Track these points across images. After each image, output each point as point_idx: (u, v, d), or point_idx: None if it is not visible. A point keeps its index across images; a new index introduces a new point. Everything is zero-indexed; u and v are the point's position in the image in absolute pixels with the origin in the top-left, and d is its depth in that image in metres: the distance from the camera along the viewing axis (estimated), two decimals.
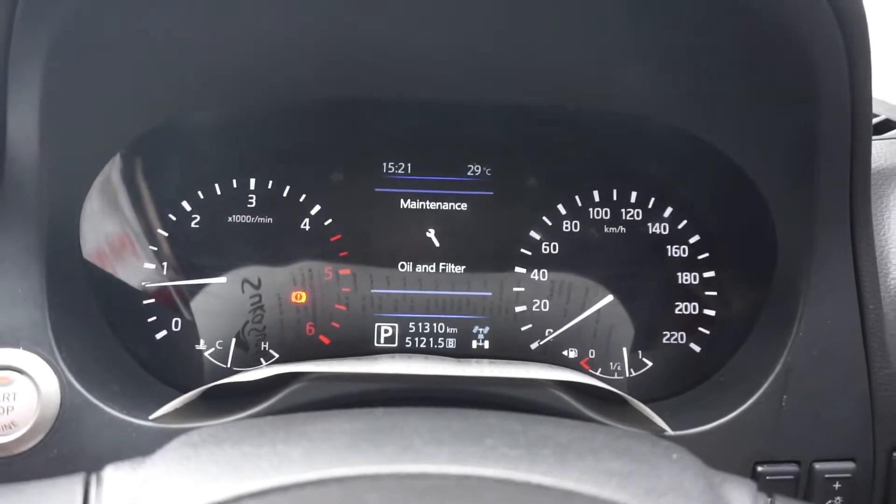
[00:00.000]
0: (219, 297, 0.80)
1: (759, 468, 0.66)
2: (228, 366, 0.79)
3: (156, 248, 0.80)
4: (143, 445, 0.57)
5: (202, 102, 0.76)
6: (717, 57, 0.63)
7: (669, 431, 0.65)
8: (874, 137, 0.82)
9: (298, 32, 0.69)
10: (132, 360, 0.75)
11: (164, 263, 0.80)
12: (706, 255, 0.82)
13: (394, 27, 0.69)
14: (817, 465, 0.67)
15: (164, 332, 0.79)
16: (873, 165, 0.75)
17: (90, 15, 0.60)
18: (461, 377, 0.65)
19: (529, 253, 0.82)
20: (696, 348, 0.81)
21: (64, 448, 0.61)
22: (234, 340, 0.80)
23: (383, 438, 0.44)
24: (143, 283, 0.80)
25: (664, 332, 0.81)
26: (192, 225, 0.81)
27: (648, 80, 0.70)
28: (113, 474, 0.45)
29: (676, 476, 0.44)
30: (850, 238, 0.66)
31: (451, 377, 0.66)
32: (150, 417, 0.62)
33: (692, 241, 0.82)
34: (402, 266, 0.82)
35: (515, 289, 0.81)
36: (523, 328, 0.81)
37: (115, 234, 0.77)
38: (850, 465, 0.67)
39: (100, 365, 0.67)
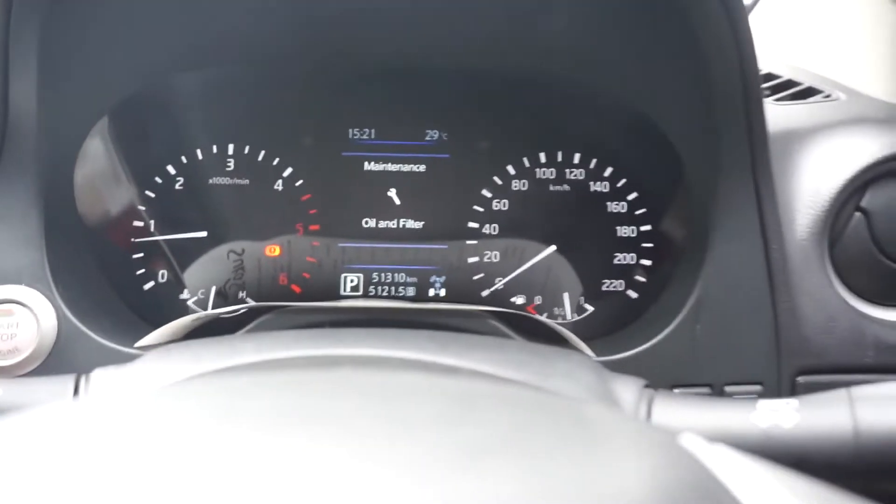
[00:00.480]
0: (204, 258, 0.89)
1: (676, 391, 0.74)
2: (207, 311, 0.88)
3: (143, 208, 0.89)
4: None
5: (185, 69, 0.85)
6: (611, 11, 0.71)
7: (594, 357, 0.73)
8: (797, 102, 0.91)
9: (275, 7, 0.77)
10: (122, 304, 0.84)
11: (152, 221, 0.89)
12: (643, 210, 0.90)
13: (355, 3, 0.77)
14: (728, 388, 0.75)
15: (151, 284, 0.88)
16: (788, 126, 0.83)
17: None
18: (412, 308, 0.74)
19: (482, 209, 0.90)
20: (634, 295, 0.89)
21: (61, 371, 0.69)
22: (214, 289, 0.88)
23: (324, 338, 0.53)
24: (132, 239, 0.88)
25: (604, 281, 0.89)
26: (177, 187, 0.90)
27: (569, 39, 0.78)
28: (100, 372, 0.54)
29: (568, 366, 0.53)
30: (754, 186, 0.74)
31: (404, 309, 0.74)
32: (136, 345, 0.71)
33: (630, 197, 0.90)
34: (366, 222, 0.90)
35: (469, 242, 0.90)
36: (475, 277, 0.89)
37: (105, 193, 0.86)
38: (757, 387, 0.75)
39: (93, 303, 0.76)
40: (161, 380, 0.48)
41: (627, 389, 0.53)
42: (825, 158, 0.80)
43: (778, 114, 0.84)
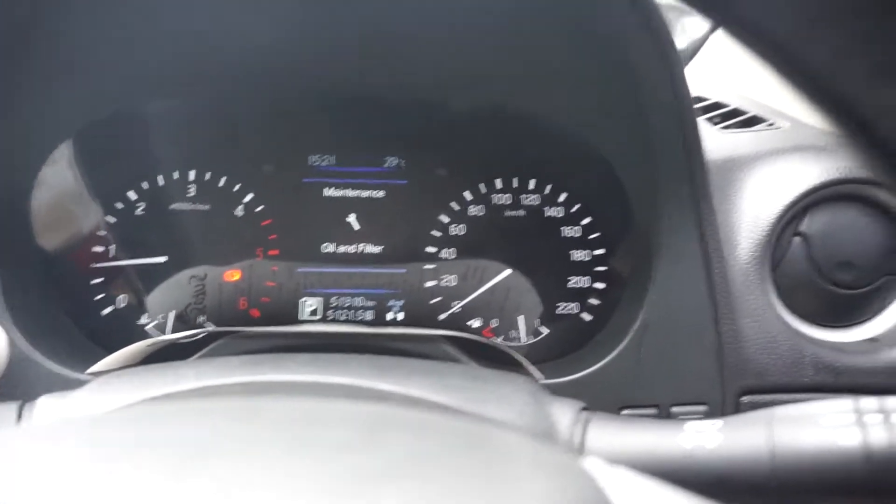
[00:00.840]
0: (164, 283, 0.90)
1: (624, 412, 0.76)
2: (166, 336, 0.88)
3: (104, 233, 0.90)
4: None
5: (148, 96, 0.86)
6: (556, 48, 0.74)
7: (542, 379, 0.74)
8: (742, 130, 0.94)
9: (237, 35, 0.79)
10: (78, 330, 0.84)
11: (112, 246, 0.90)
12: (597, 234, 0.92)
13: (315, 33, 0.80)
14: (674, 409, 0.77)
15: (110, 309, 0.89)
16: (733, 153, 0.86)
17: (49, 7, 0.70)
18: (365, 333, 0.75)
19: (439, 234, 0.92)
20: (588, 317, 0.91)
21: (11, 397, 0.69)
22: (173, 313, 0.89)
23: (266, 364, 0.54)
24: (91, 265, 0.89)
25: (559, 304, 0.91)
26: (138, 212, 0.91)
27: (517, 72, 0.81)
28: (45, 400, 0.55)
29: (506, 391, 0.54)
30: (695, 212, 0.76)
31: (358, 334, 0.75)
32: (87, 371, 0.72)
33: (584, 222, 0.93)
34: (326, 247, 0.92)
35: (426, 266, 0.91)
36: (433, 301, 0.91)
37: (64, 219, 0.87)
38: (702, 408, 0.77)
39: (47, 329, 0.77)
40: (102, 407, 0.49)
41: (564, 413, 0.55)
42: (766, 184, 0.83)
43: (723, 141, 0.88)
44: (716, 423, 0.51)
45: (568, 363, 0.82)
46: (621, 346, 0.76)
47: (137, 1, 0.74)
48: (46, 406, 0.54)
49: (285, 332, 0.75)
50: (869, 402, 0.46)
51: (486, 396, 0.52)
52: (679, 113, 0.72)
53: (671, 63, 0.69)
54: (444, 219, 0.92)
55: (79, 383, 0.71)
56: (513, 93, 0.84)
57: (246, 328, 0.75)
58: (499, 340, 0.90)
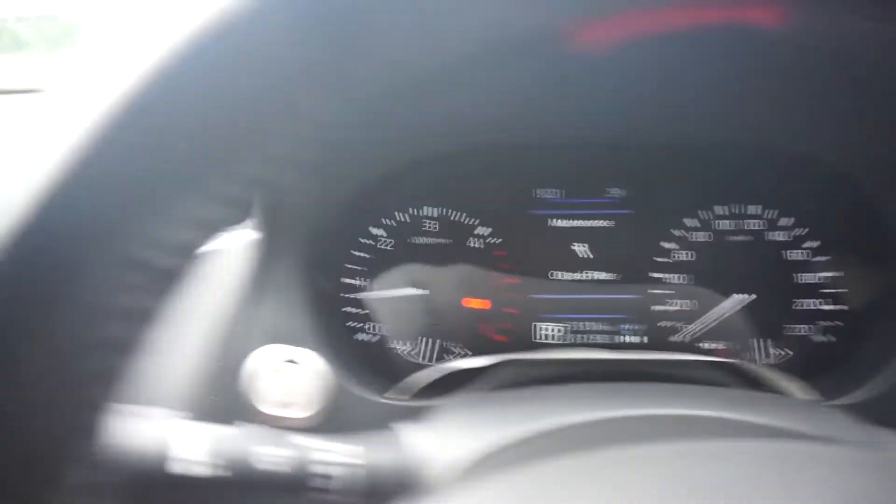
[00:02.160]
0: (404, 308, 0.98)
1: None
2: (420, 360, 0.97)
3: (357, 267, 0.99)
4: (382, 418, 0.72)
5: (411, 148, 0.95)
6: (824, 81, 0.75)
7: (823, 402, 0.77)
8: None
9: (481, 100, 0.85)
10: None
11: (362, 278, 0.99)
12: (828, 257, 0.94)
13: (550, 93, 0.85)
14: None
15: (364, 336, 0.98)
16: None
17: None
18: (642, 360, 0.80)
19: (665, 261, 0.96)
20: (829, 339, 0.93)
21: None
22: (431, 340, 0.97)
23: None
24: (342, 295, 0.99)
25: (795, 326, 0.94)
26: (385, 247, 1.00)
27: (769, 112, 0.84)
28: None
29: (820, 416, 0.57)
30: None
31: (636, 360, 0.80)
32: (384, 396, 0.81)
33: (813, 245, 0.95)
34: (555, 275, 0.98)
35: (654, 291, 0.96)
36: (663, 324, 0.95)
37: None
38: None
39: (343, 356, 0.86)
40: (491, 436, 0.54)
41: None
42: None
43: None
44: None
45: (827, 386, 0.84)
46: None
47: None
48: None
49: (569, 359, 0.81)
50: None
51: (814, 423, 0.55)
52: None
53: None
54: (670, 245, 0.97)
55: (381, 407, 0.80)
56: (753, 127, 0.88)
57: (536, 356, 0.81)
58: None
